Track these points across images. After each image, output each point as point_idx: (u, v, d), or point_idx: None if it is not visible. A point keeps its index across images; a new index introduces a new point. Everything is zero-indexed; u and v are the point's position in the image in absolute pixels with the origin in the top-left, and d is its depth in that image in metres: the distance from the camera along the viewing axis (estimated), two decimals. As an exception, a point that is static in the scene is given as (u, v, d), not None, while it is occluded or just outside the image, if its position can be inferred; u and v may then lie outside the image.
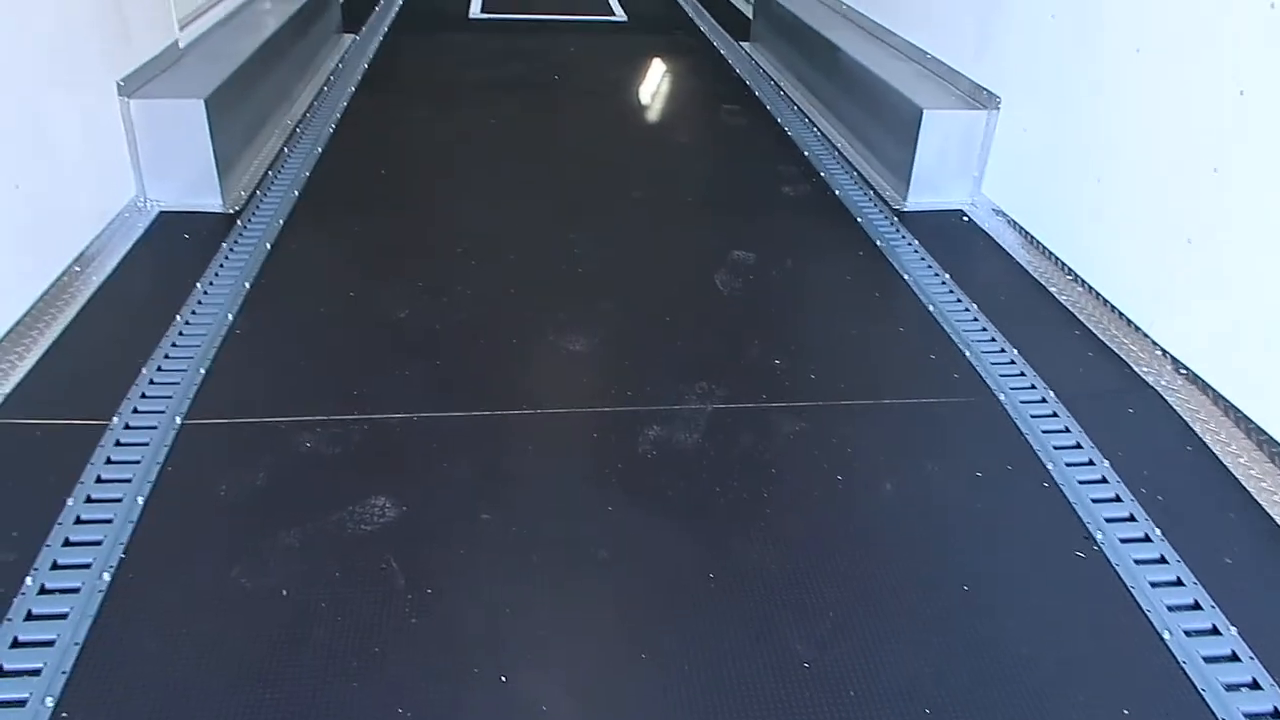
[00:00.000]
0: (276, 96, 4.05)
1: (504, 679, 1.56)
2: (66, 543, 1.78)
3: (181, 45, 3.57)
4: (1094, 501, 2.03)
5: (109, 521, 1.82)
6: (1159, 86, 2.51)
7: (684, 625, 1.69)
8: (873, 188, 3.58)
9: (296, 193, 3.33)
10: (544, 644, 1.64)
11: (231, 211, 3.16)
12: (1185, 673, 1.64)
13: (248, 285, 2.69)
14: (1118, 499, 2.04)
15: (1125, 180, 2.65)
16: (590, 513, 1.94)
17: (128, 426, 2.09)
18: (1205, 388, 2.35)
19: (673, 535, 1.90)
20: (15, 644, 1.57)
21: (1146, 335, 2.55)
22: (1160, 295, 2.51)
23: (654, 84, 5.06)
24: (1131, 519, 1.99)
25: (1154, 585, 1.83)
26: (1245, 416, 2.22)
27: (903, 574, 1.83)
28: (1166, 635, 1.71)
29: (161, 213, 3.13)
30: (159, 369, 2.29)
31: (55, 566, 1.73)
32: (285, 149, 3.71)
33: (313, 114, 4.13)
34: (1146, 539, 1.94)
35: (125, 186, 3.11)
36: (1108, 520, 1.98)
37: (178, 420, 2.12)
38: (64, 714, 1.47)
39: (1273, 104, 2.13)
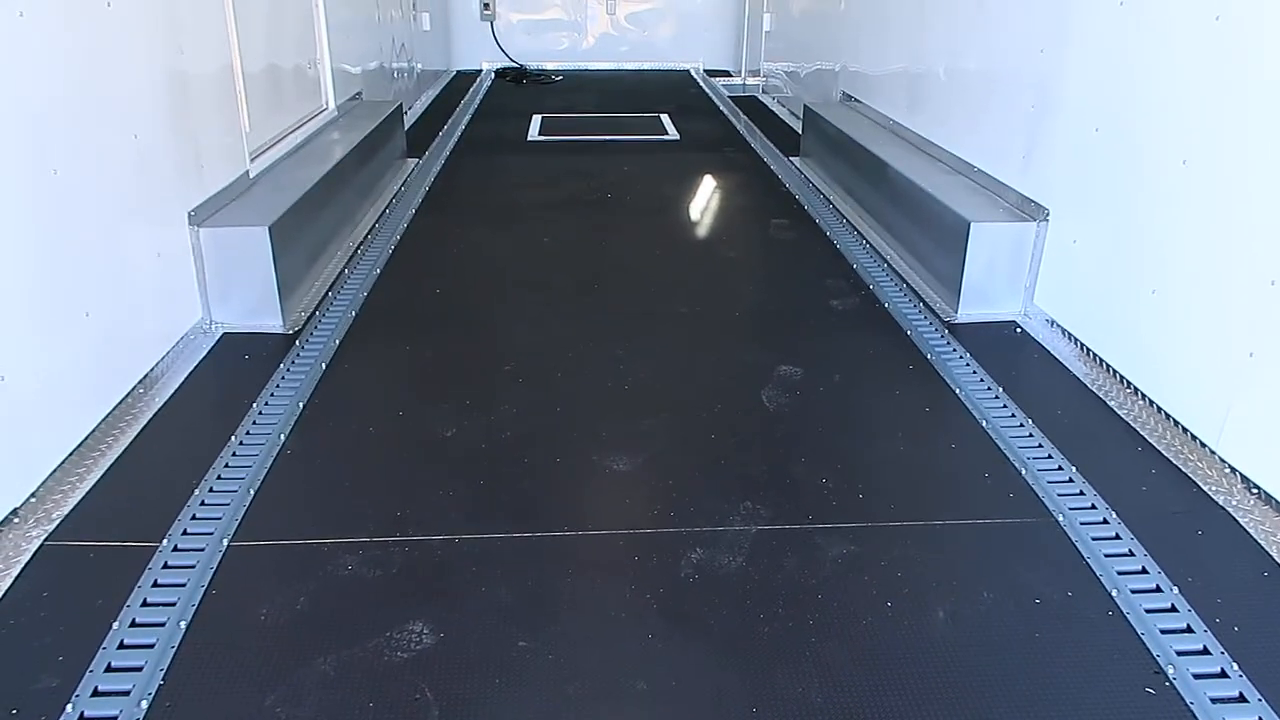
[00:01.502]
0: (339, 220, 4.22)
1: (535, 822, 1.50)
2: (109, 668, 1.78)
3: (251, 175, 3.76)
4: (1163, 632, 1.91)
5: (151, 646, 1.83)
6: (1209, 198, 2.47)
7: (725, 765, 1.62)
8: (923, 300, 3.56)
9: (354, 313, 3.43)
10: (578, 784, 1.58)
11: (291, 332, 3.26)
12: (1272, 827, 1.51)
13: (301, 405, 2.76)
14: (1189, 629, 1.92)
15: (1181, 292, 2.59)
16: (629, 641, 1.89)
17: (176, 549, 2.11)
18: (1279, 508, 2.23)
19: (714, 666, 1.83)
20: (50, 775, 1.57)
21: (1214, 452, 2.45)
22: (1227, 410, 2.42)
23: (704, 200, 5.16)
24: (1206, 652, 1.87)
25: (1233, 727, 1.70)
26: (1324, 539, 2.10)
27: (957, 710, 1.74)
28: (1249, 783, 1.59)
29: (225, 334, 3.24)
30: (210, 490, 2.33)
31: (96, 693, 1.73)
32: (346, 270, 3.84)
33: (374, 236, 4.29)
34: (1223, 674, 1.81)
35: (192, 310, 3.24)
36: (1179, 653, 1.86)
37: (224, 542, 2.14)
38: None
39: (1328, 216, 2.08)
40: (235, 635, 1.89)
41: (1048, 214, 3.28)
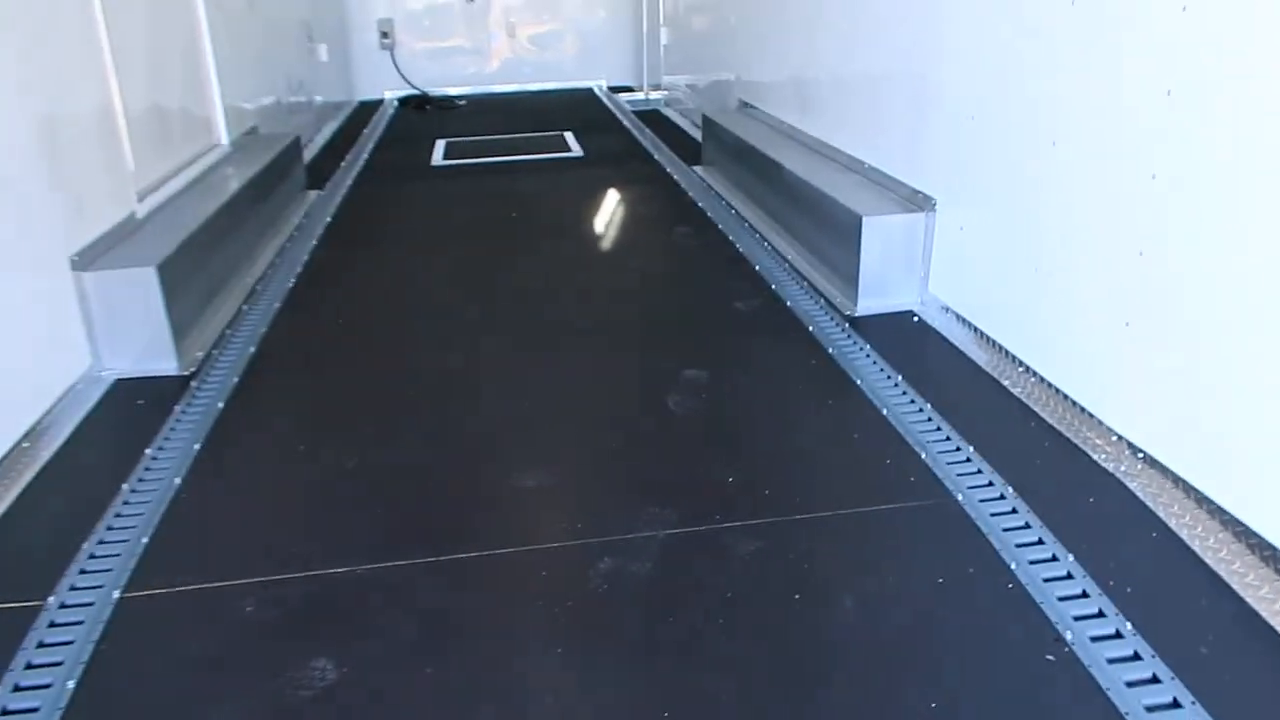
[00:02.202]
0: (236, 257, 4.12)
1: None
2: (-9, 737, 1.70)
3: (139, 215, 3.65)
4: (1061, 599, 1.97)
5: (35, 710, 1.75)
6: (1078, 176, 2.57)
7: (636, 772, 1.61)
8: (824, 297, 3.62)
9: (253, 349, 3.35)
10: (488, 806, 1.55)
11: (187, 374, 3.16)
12: (1167, 778, 1.55)
13: (198, 447, 2.67)
14: (1085, 594, 1.98)
15: (1061, 269, 2.68)
16: (538, 657, 1.87)
17: (63, 605, 2.02)
18: (1165, 471, 2.32)
19: (625, 673, 1.83)
20: None
21: (1101, 422, 2.53)
22: (1110, 380, 2.51)
23: (609, 213, 5.17)
24: (1101, 614, 1.92)
25: (1130, 685, 1.75)
26: (1207, 498, 2.18)
27: (868, 694, 1.76)
28: (1146, 738, 1.63)
29: (117, 380, 3.13)
30: (100, 541, 2.24)
31: (-23, 765, 1.65)
32: (245, 307, 3.75)
33: (274, 271, 4.20)
34: (1119, 635, 1.87)
35: (80, 358, 3.12)
36: (1076, 618, 1.91)
37: (115, 594, 2.06)
38: None
39: (1184, 187, 2.17)
40: (128, 690, 1.82)
41: (935, 204, 3.37)
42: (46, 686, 1.81)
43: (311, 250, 4.49)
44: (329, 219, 5.06)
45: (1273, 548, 2.00)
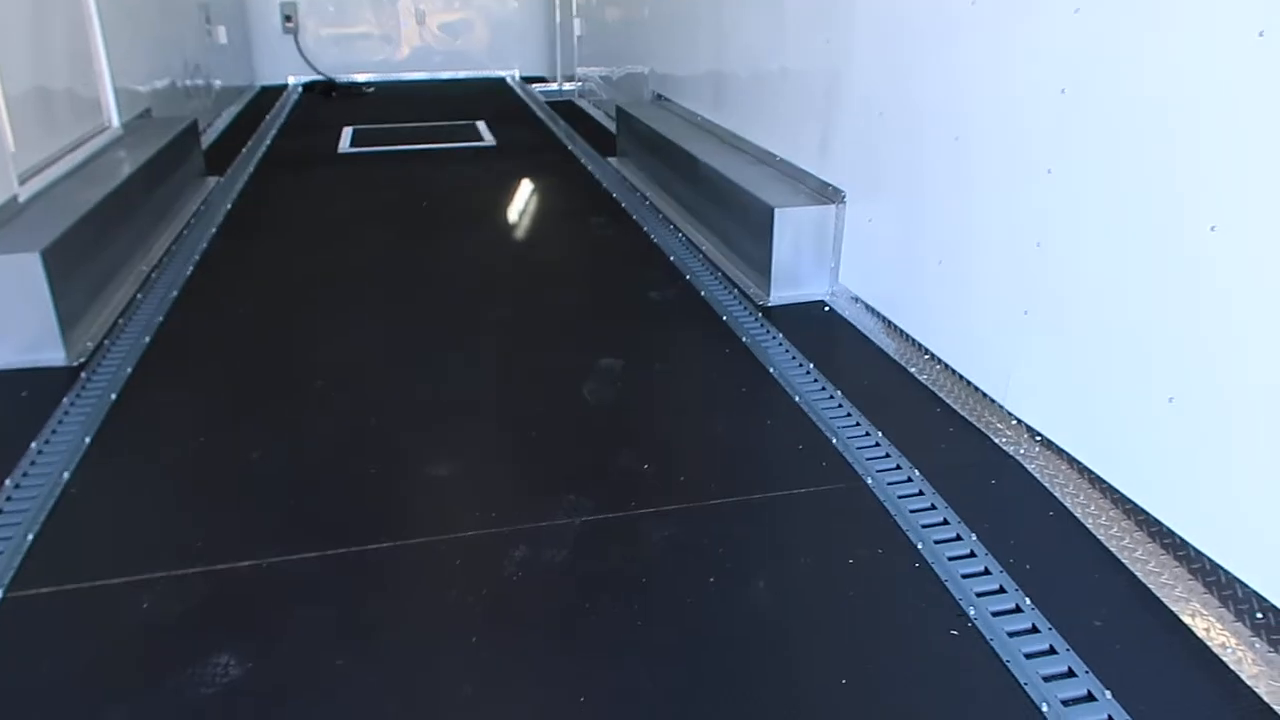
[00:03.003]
0: (129, 244, 3.94)
1: (354, 844, 1.43)
2: None
3: (21, 199, 3.46)
4: (964, 577, 2.03)
5: (-90, 718, 1.64)
6: (979, 170, 2.65)
7: (552, 758, 1.59)
8: (737, 286, 3.66)
9: (148, 339, 3.21)
10: (401, 798, 1.52)
11: (76, 364, 3.01)
12: (1064, 744, 1.61)
13: (88, 440, 2.55)
14: (987, 571, 2.04)
15: (962, 260, 2.76)
16: (452, 647, 1.84)
17: (-60, 607, 1.91)
18: (1060, 453, 2.41)
19: (541, 661, 1.81)
20: None
21: (1002, 406, 2.62)
22: (1008, 366, 2.59)
23: (523, 204, 5.13)
24: (1002, 590, 1.99)
25: (1028, 656, 1.81)
26: (1100, 478, 2.28)
27: (780, 674, 1.78)
28: (1045, 707, 1.69)
29: (-1, 372, 2.97)
30: (-19, 540, 2.12)
31: None
32: (139, 295, 3.59)
33: (170, 258, 4.03)
34: (1018, 610, 1.93)
35: (-44, 349, 2.95)
36: (979, 594, 1.98)
37: (-2, 594, 1.95)
38: None
39: (1076, 181, 2.26)
40: (13, 695, 1.72)
41: (844, 196, 3.44)
42: (-78, 693, 1.70)
43: (210, 238, 4.32)
44: (229, 206, 4.88)
45: (1161, 525, 2.10)
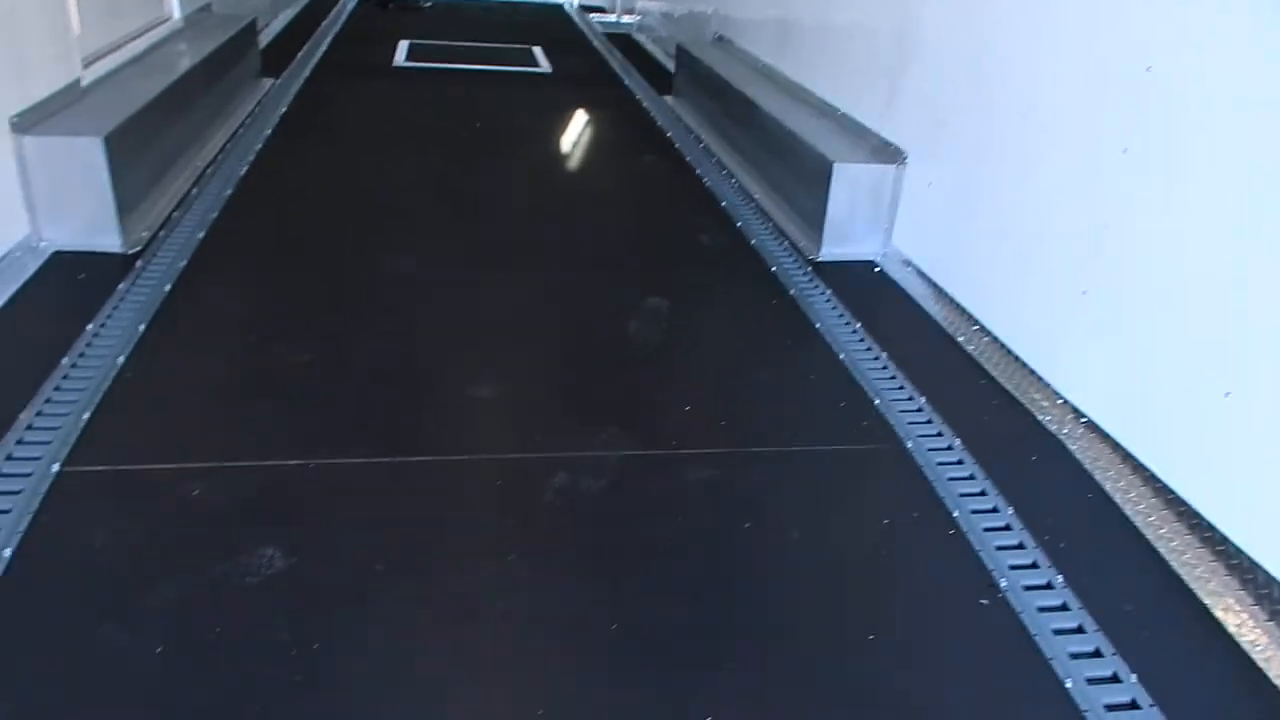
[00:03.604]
0: (186, 138, 3.95)
1: (391, 739, 1.48)
2: (-79, 600, 1.65)
3: (84, 84, 3.47)
4: (998, 549, 2.04)
5: (-31, 576, 1.70)
6: (1051, 144, 2.60)
7: (584, 679, 1.63)
8: (788, 238, 3.63)
9: (202, 234, 3.24)
10: (438, 701, 1.56)
11: (131, 253, 3.05)
12: (1085, 720, 1.64)
13: (143, 328, 2.59)
14: (1021, 546, 2.05)
15: (1023, 234, 2.73)
16: (489, 563, 1.87)
17: (0, 474, 1.96)
18: (1104, 436, 2.40)
19: (574, 585, 1.85)
20: None
21: (1048, 384, 2.60)
22: (1059, 345, 2.58)
23: (575, 134, 5.08)
24: (1035, 566, 2.00)
25: (1056, 633, 1.83)
26: (1142, 465, 2.27)
27: (808, 623, 1.81)
28: (1068, 683, 1.71)
29: (56, 253, 3.00)
30: (39, 414, 2.17)
31: (-94, 626, 1.60)
32: (194, 190, 3.61)
33: (225, 156, 4.04)
34: (1049, 586, 1.95)
35: (17, 225, 2.98)
36: (1011, 567, 1.99)
37: (55, 468, 2.00)
38: (-100, 788, 1.35)
39: (1154, 162, 2.22)
40: (69, 563, 1.78)
41: (906, 157, 3.39)
42: (-19, 553, 1.76)
43: (265, 139, 4.33)
44: (284, 109, 4.87)
45: (1201, 518, 2.09)
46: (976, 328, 2.95)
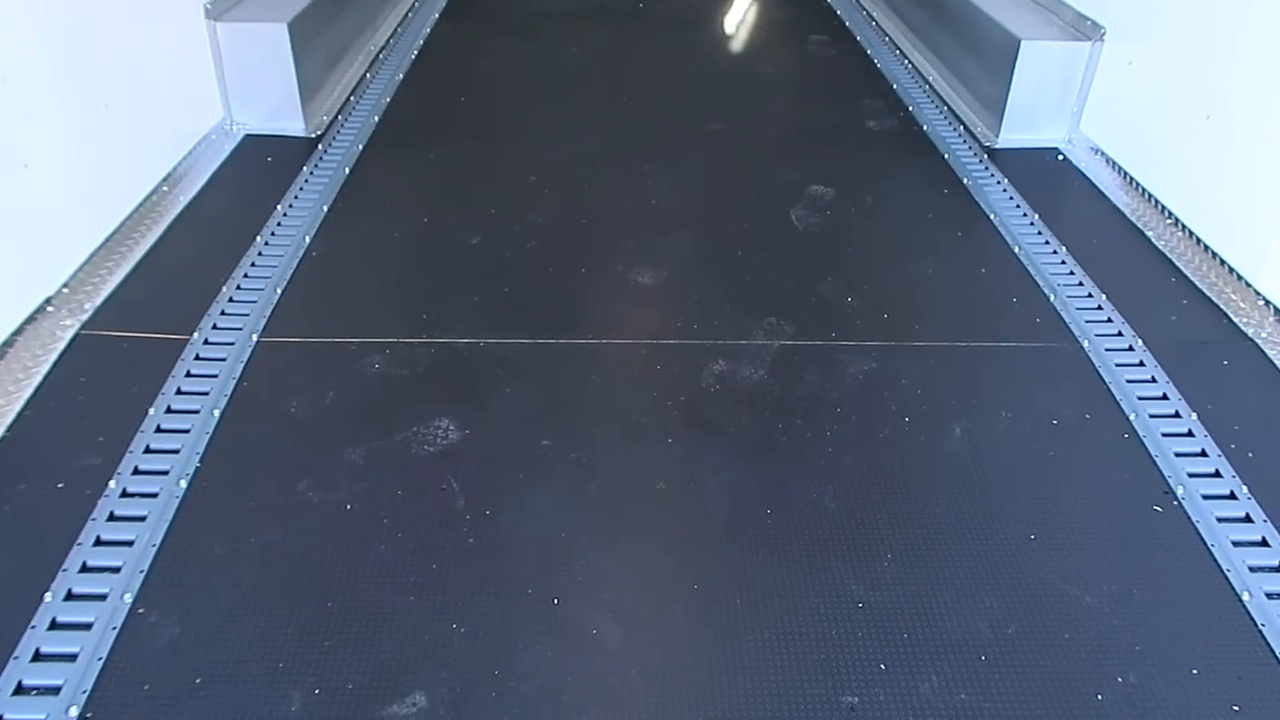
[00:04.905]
0: (359, 23, 4.05)
1: (556, 601, 1.58)
2: (147, 450, 1.85)
3: (266, -31, 3.59)
4: (1177, 455, 1.94)
5: (186, 432, 1.89)
6: (1276, 21, 2.32)
7: (739, 559, 1.68)
8: (963, 123, 3.43)
9: (376, 119, 3.36)
10: (597, 570, 1.65)
11: (313, 136, 3.19)
12: (1264, 636, 1.57)
13: (325, 209, 2.73)
14: (1204, 453, 1.94)
15: (1236, 121, 2.47)
16: (649, 444, 1.93)
17: (207, 342, 2.15)
18: (1310, 341, 2.21)
19: (732, 470, 1.88)
20: (99, 542, 1.65)
21: (1250, 285, 2.40)
22: (1267, 241, 2.36)
23: (741, 13, 4.91)
24: (1217, 474, 1.90)
25: (1236, 544, 1.74)
26: (1352, 373, 2.09)
27: (967, 520, 1.79)
28: (1245, 596, 1.64)
29: (247, 135, 3.18)
30: (238, 287, 2.35)
31: (136, 472, 1.80)
32: (368, 75, 3.73)
33: (395, 41, 4.13)
34: (1232, 496, 1.84)
35: (213, 109, 3.17)
36: (1191, 475, 1.89)
37: (253, 338, 2.18)
38: (140, 609, 1.54)
39: None
40: (267, 424, 1.95)
41: (1104, 33, 3.10)
42: (195, 412, 1.95)
43: (433, 24, 4.39)
44: (450, -8, 4.90)
45: None
46: (1170, 220, 2.73)
